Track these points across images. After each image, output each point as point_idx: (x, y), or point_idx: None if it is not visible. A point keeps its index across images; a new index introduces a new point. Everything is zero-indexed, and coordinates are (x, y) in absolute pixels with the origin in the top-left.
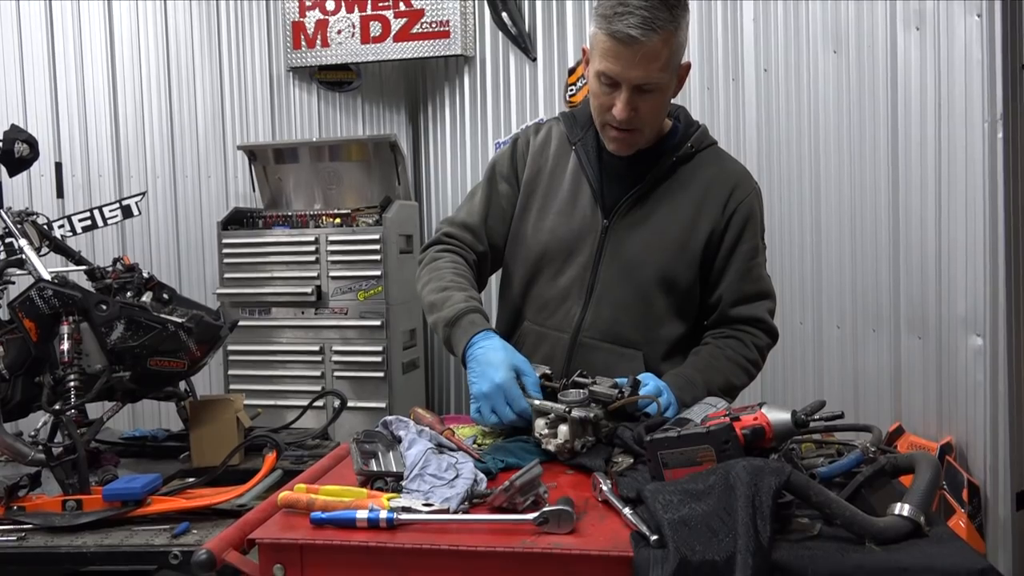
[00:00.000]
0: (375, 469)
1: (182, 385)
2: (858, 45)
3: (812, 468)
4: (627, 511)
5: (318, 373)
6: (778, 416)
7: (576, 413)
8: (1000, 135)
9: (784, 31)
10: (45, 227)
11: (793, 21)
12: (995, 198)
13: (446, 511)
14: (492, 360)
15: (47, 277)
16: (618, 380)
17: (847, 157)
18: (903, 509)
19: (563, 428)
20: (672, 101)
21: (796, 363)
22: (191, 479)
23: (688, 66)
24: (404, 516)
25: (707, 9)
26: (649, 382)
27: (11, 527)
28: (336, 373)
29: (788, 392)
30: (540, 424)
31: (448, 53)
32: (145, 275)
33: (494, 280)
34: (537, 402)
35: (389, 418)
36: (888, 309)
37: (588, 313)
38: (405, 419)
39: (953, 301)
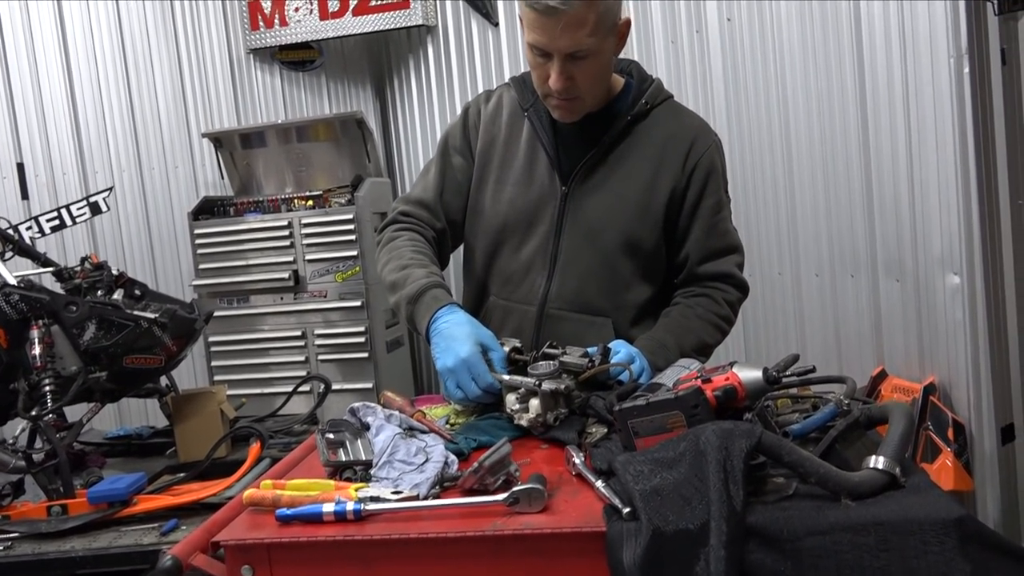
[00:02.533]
0: (342, 459)
1: (163, 381)
2: None
3: (787, 425)
4: (599, 484)
5: (302, 358)
6: (749, 374)
7: (547, 386)
8: (967, 70)
9: None
10: (8, 231)
11: None
12: (964, 134)
13: (416, 497)
14: (456, 335)
15: (12, 282)
16: (588, 349)
17: (815, 102)
18: (878, 462)
19: (534, 402)
20: (627, 57)
21: (776, 313)
22: (178, 475)
23: (628, 23)
24: (372, 506)
25: None
26: (620, 349)
27: None
28: (320, 357)
29: (770, 343)
30: (511, 399)
31: (409, 24)
32: (115, 272)
33: (457, 259)
34: (506, 377)
35: (356, 405)
36: (865, 254)
37: (553, 283)
38: (373, 405)
39: (928, 241)
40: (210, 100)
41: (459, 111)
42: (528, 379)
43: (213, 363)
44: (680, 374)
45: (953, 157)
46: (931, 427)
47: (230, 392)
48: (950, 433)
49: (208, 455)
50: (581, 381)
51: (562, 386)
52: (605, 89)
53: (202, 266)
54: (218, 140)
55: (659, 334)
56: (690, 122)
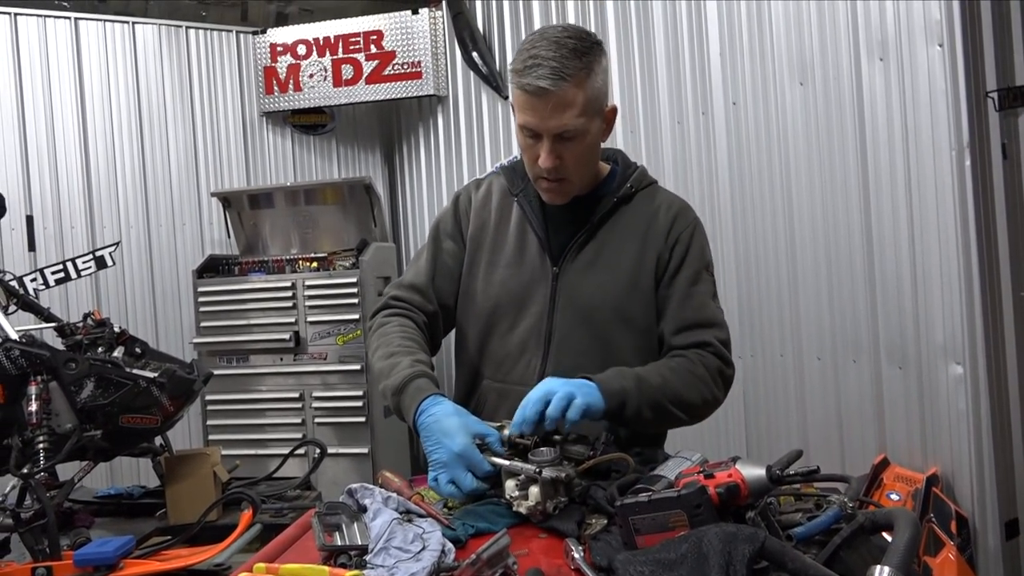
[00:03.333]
0: (338, 543)
1: (157, 440)
2: (824, 76)
3: (791, 524)
4: None
5: (299, 420)
6: (753, 472)
7: (547, 473)
8: (968, 163)
9: (751, 64)
10: (12, 285)
11: (759, 53)
12: (966, 225)
13: None
14: (447, 428)
15: (14, 337)
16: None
17: (818, 187)
18: (883, 572)
19: (534, 490)
20: (613, 145)
21: (779, 396)
22: (167, 538)
23: (614, 110)
24: None
25: (674, 43)
26: (558, 389)
27: None
28: (317, 419)
29: (771, 425)
30: (510, 486)
31: (421, 93)
32: (116, 329)
33: (448, 344)
34: (506, 462)
35: (354, 486)
36: (867, 339)
37: (549, 363)
38: (371, 487)
39: (931, 330)
40: (221, 160)
41: (466, 179)
42: (528, 466)
43: (209, 422)
44: (681, 466)
45: (955, 248)
46: (934, 519)
47: (224, 452)
48: (953, 526)
49: (199, 520)
50: (582, 471)
51: (563, 475)
52: (592, 171)
53: (204, 324)
54: (227, 200)
55: (620, 369)
56: (673, 200)
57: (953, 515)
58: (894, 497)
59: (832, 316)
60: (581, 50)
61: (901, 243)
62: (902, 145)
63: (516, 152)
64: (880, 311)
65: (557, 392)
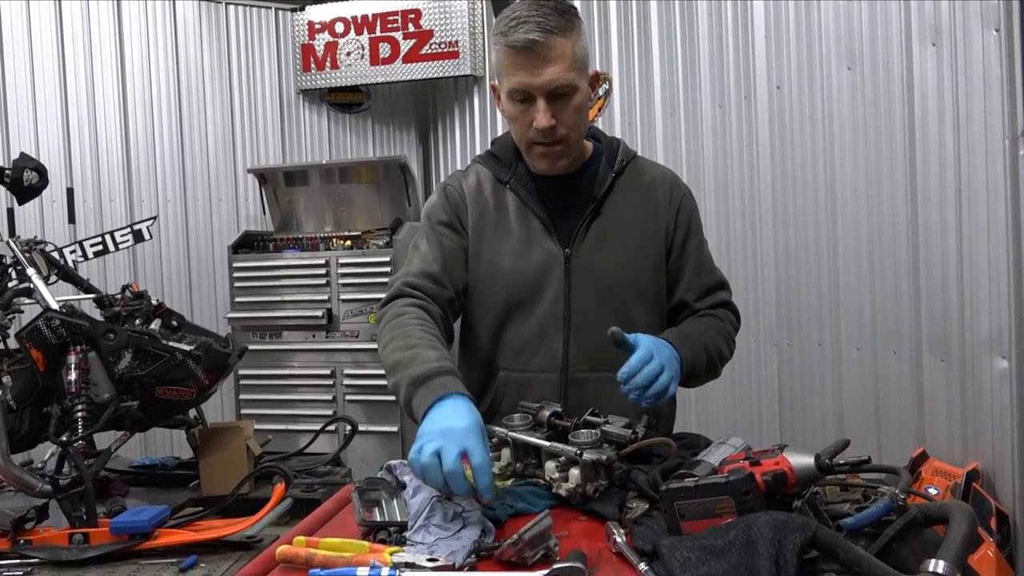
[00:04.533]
0: (378, 519)
1: (192, 412)
2: (872, 61)
3: (838, 515)
4: (643, 566)
5: (330, 397)
6: (801, 460)
7: (588, 456)
8: (1022, 152)
9: (796, 47)
10: (54, 255)
11: (806, 37)
12: (1018, 217)
13: (452, 567)
14: (460, 411)
15: (55, 306)
16: (629, 421)
17: (863, 175)
18: (937, 566)
19: (574, 472)
20: (650, 129)
21: (815, 386)
22: (200, 509)
23: (597, 75)
24: (407, 573)
25: (717, 24)
26: (641, 342)
27: (17, 561)
28: (348, 397)
29: (807, 415)
30: (551, 467)
31: (458, 73)
32: (154, 302)
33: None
34: (547, 444)
35: (393, 463)
36: (909, 330)
37: (571, 346)
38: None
39: (976, 323)
40: (258, 137)
41: (440, 186)
42: (570, 448)
43: (241, 396)
44: (725, 452)
45: (1005, 239)
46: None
47: (256, 427)
48: (993, 523)
49: (232, 492)
50: (624, 455)
51: (603, 457)
52: (584, 134)
53: (238, 299)
54: (263, 176)
55: (684, 328)
56: (663, 171)
57: (993, 511)
58: (932, 491)
59: (873, 306)
60: (561, 9)
61: (948, 233)
62: (953, 133)
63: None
64: (923, 302)
65: (664, 372)
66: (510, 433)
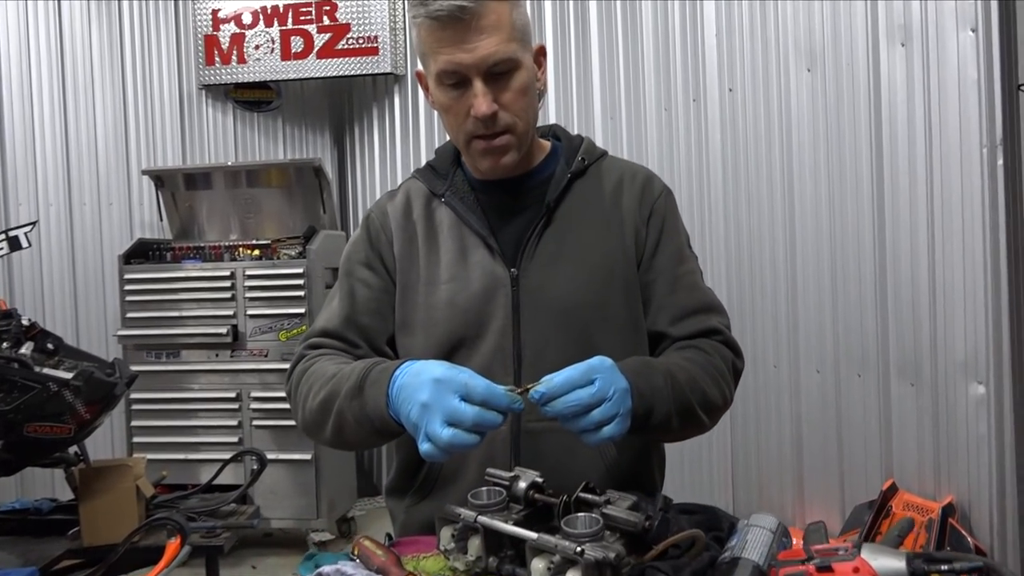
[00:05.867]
0: None
1: (72, 448)
2: (835, 62)
3: None
4: None
5: (235, 423)
6: (888, 564)
7: (592, 553)
8: (1000, 162)
9: (751, 46)
10: None
11: (761, 36)
12: (996, 231)
13: None
14: (428, 367)
15: None
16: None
17: (825, 186)
18: None
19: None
20: (586, 133)
21: (770, 411)
22: (79, 562)
23: (543, 49)
24: None
25: (663, 21)
26: (586, 363)
27: None
28: (255, 422)
29: (762, 444)
30: (540, 568)
31: (377, 71)
32: (25, 322)
33: None
34: (533, 536)
35: (327, 570)
36: (875, 352)
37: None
38: (347, 568)
39: (950, 345)
40: (154, 135)
41: (423, 164)
42: (565, 543)
43: (134, 423)
44: (764, 542)
45: (983, 255)
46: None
47: (151, 457)
48: None
49: (123, 544)
50: (648, 559)
51: (611, 554)
52: (534, 121)
53: (130, 315)
54: (159, 178)
55: (645, 358)
56: (635, 168)
57: (972, 549)
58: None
59: (836, 326)
60: None
61: (919, 248)
62: (924, 141)
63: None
64: (892, 322)
65: (603, 406)
66: (480, 517)
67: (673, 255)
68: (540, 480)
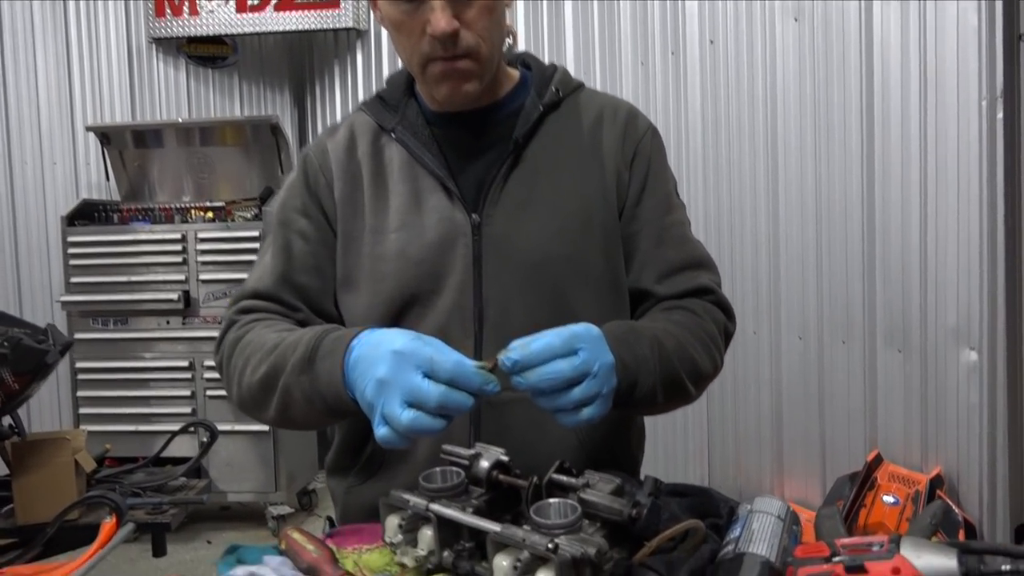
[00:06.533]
0: None
1: (6, 419)
2: (824, 11)
3: None
4: None
5: (188, 392)
6: (935, 562)
7: (567, 549)
8: (1000, 115)
9: None
10: None
11: None
12: (994, 188)
13: None
14: (388, 337)
15: None
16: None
17: (812, 142)
18: None
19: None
20: (545, 61)
21: (748, 380)
22: (12, 542)
23: None
24: None
25: None
26: (566, 329)
27: None
28: (209, 392)
29: (740, 414)
30: (504, 568)
31: (338, 26)
32: None
33: None
34: (495, 528)
35: (239, 572)
36: (861, 317)
37: (485, 354)
38: (269, 563)
39: (942, 309)
40: (101, 90)
41: (300, 157)
42: (535, 536)
43: (80, 393)
44: (774, 531)
45: (979, 214)
46: (941, 529)
47: (98, 429)
48: (961, 536)
49: (52, 525)
50: (640, 560)
51: (591, 550)
52: (501, 45)
53: (75, 279)
54: (106, 136)
55: (629, 322)
56: (616, 102)
57: (962, 523)
58: (889, 500)
59: (820, 289)
60: None
61: (911, 206)
62: (919, 93)
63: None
64: (879, 285)
65: (586, 382)
66: (432, 505)
67: (660, 203)
68: (505, 459)
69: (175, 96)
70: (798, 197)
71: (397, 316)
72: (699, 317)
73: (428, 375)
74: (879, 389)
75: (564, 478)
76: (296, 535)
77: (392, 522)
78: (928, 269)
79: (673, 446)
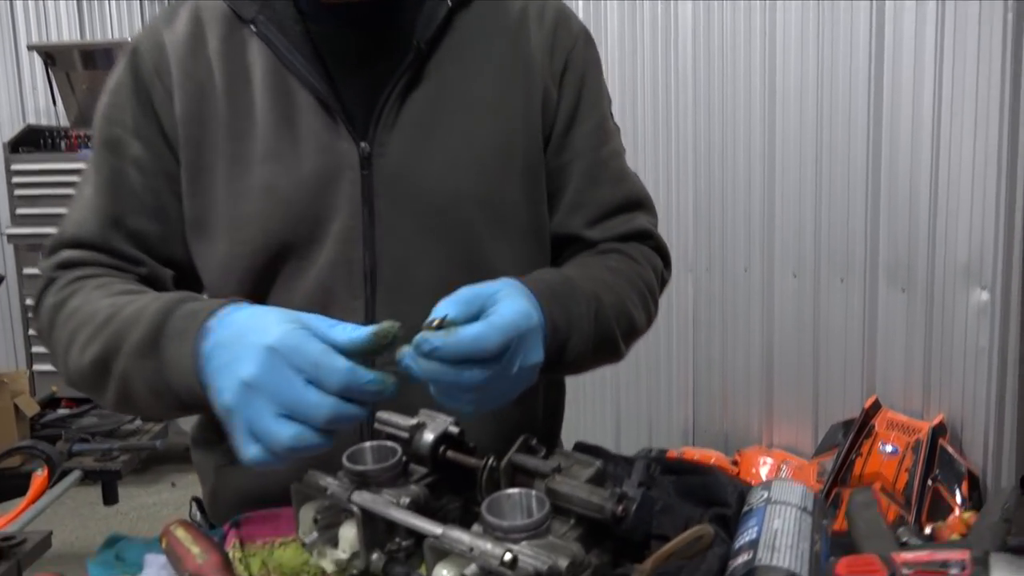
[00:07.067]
0: None
1: None
2: None
3: None
4: None
5: None
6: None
7: (529, 562)
8: None
9: None
10: None
11: None
12: (1017, 108)
13: None
14: (261, 322)
15: None
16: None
17: (813, 55)
18: None
19: None
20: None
21: (738, 319)
22: None
23: None
24: None
25: None
26: (485, 288)
27: None
28: None
29: (728, 355)
30: None
31: None
32: None
33: None
34: (439, 531)
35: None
36: (862, 254)
37: (378, 315)
38: (148, 569)
39: (952, 246)
40: (46, 6)
41: (128, 50)
42: (489, 545)
43: (32, 332)
44: (803, 533)
45: (998, 138)
46: (940, 479)
47: (49, 369)
48: (965, 487)
49: None
50: (652, 570)
51: (563, 562)
52: None
53: (20, 211)
54: (51, 56)
55: (558, 271)
56: (542, 2)
57: (965, 474)
58: (888, 449)
59: (817, 223)
60: None
61: (922, 128)
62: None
63: None
64: (883, 219)
65: (522, 353)
66: (355, 495)
67: (595, 130)
68: (455, 430)
69: (127, 13)
70: (796, 118)
71: (265, 271)
72: (638, 264)
73: (312, 381)
74: (879, 331)
75: (529, 460)
76: (180, 532)
77: (307, 514)
78: (939, 199)
79: (655, 387)
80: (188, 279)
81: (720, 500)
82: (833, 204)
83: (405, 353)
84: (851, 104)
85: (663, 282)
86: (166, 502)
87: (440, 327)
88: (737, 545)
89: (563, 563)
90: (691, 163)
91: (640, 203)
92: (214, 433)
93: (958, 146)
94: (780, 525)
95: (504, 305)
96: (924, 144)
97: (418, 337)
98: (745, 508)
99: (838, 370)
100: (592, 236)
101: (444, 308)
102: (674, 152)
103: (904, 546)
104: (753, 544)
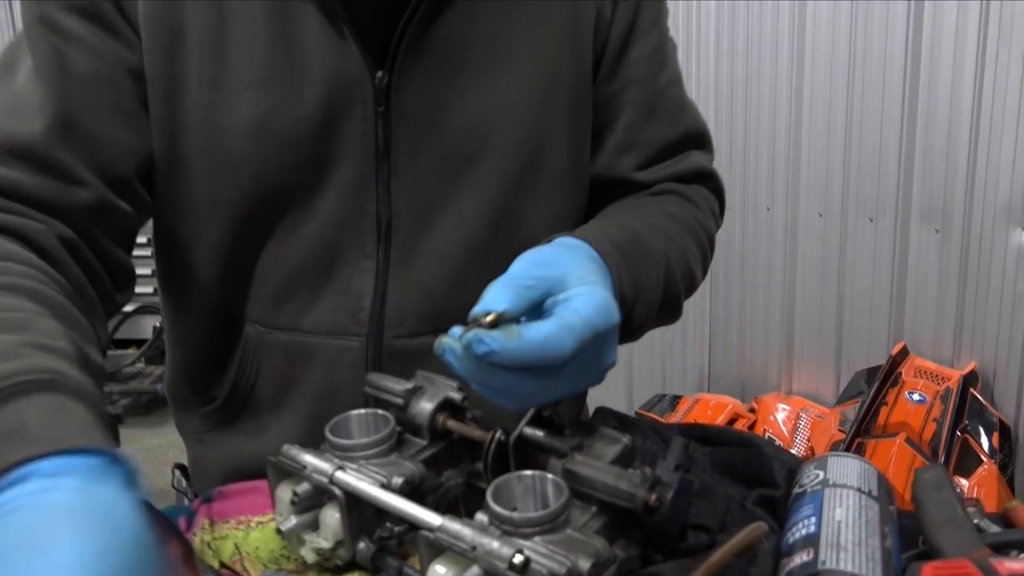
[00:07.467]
0: None
1: None
2: None
3: None
4: None
5: (147, 271)
6: None
7: (543, 563)
8: None
9: None
10: None
11: None
12: None
13: None
14: (60, 528)
15: None
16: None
17: None
18: None
19: None
20: None
21: (758, 263)
22: None
23: None
24: None
25: None
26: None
27: None
28: None
29: (746, 300)
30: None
31: None
32: None
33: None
34: (437, 522)
35: None
36: (894, 191)
37: (392, 285)
38: None
39: (992, 183)
40: None
41: None
42: (496, 544)
43: None
44: (871, 527)
45: None
46: (970, 430)
47: None
48: (995, 438)
49: None
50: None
51: (585, 563)
52: None
53: None
54: None
55: (632, 228)
56: None
57: (996, 425)
58: (916, 398)
59: (847, 157)
60: None
61: (965, 53)
62: None
63: None
64: (918, 157)
65: (605, 351)
66: (338, 473)
67: (654, 52)
68: (457, 396)
69: None
70: (828, 43)
71: (254, 222)
72: (699, 210)
73: None
74: (909, 274)
75: (543, 435)
76: None
77: (284, 493)
78: (979, 134)
79: (670, 332)
80: (144, 217)
81: (766, 478)
82: (864, 138)
83: (446, 346)
84: (888, 29)
85: (718, 220)
86: (172, 443)
87: (495, 324)
88: (791, 539)
89: (585, 564)
90: (712, 95)
91: (699, 138)
92: (190, 391)
93: (1004, 72)
94: (843, 516)
95: (579, 298)
96: (967, 71)
97: (470, 336)
98: (797, 490)
99: (864, 315)
100: (643, 179)
101: (499, 297)
102: (694, 91)
103: (981, 532)
104: (812, 541)
